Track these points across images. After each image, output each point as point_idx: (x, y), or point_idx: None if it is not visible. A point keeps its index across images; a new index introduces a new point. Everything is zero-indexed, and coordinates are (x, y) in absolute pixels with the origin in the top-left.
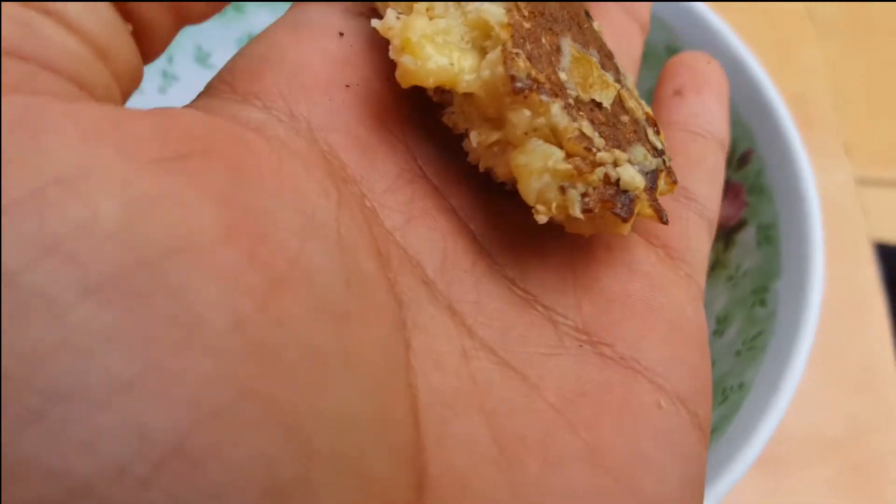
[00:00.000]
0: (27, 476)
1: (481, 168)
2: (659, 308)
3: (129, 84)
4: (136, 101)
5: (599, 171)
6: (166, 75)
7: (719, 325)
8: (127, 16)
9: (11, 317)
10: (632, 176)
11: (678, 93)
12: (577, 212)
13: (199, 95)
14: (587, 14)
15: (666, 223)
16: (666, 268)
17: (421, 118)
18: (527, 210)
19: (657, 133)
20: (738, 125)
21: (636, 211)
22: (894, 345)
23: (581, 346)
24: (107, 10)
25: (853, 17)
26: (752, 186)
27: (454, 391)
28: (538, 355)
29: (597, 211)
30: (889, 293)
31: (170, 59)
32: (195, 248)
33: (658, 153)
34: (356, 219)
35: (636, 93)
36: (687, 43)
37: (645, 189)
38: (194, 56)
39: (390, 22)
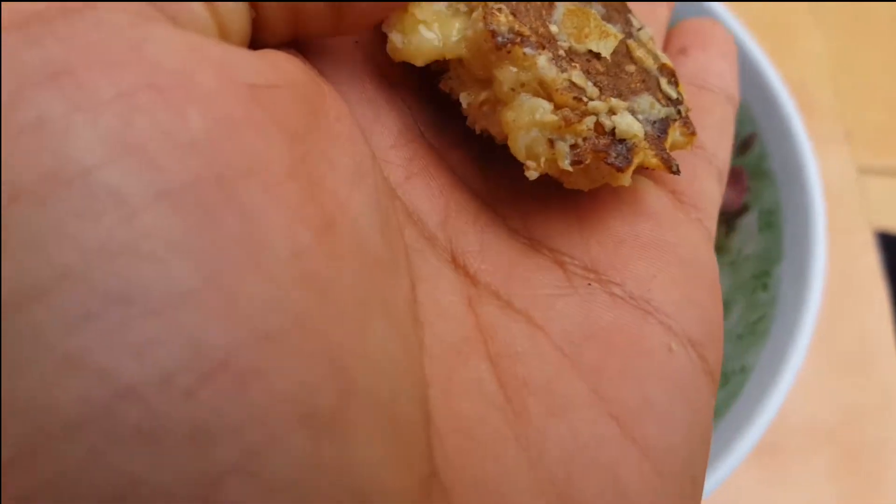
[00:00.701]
0: (76, 372)
1: (478, 130)
2: (670, 247)
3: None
4: None
5: (589, 121)
6: None
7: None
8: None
9: (80, 213)
10: (628, 124)
11: (682, 51)
12: (566, 164)
13: None
14: None
15: (677, 173)
16: (676, 210)
17: (418, 82)
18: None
19: (673, 84)
20: (741, 110)
21: (636, 161)
22: (895, 333)
23: (590, 284)
24: None
25: (854, 6)
26: (755, 171)
27: (461, 339)
28: (545, 296)
29: (588, 162)
30: (890, 282)
31: None
32: (266, 175)
33: (672, 103)
34: (382, 171)
35: (653, 45)
36: None
37: (649, 138)
38: None
39: None
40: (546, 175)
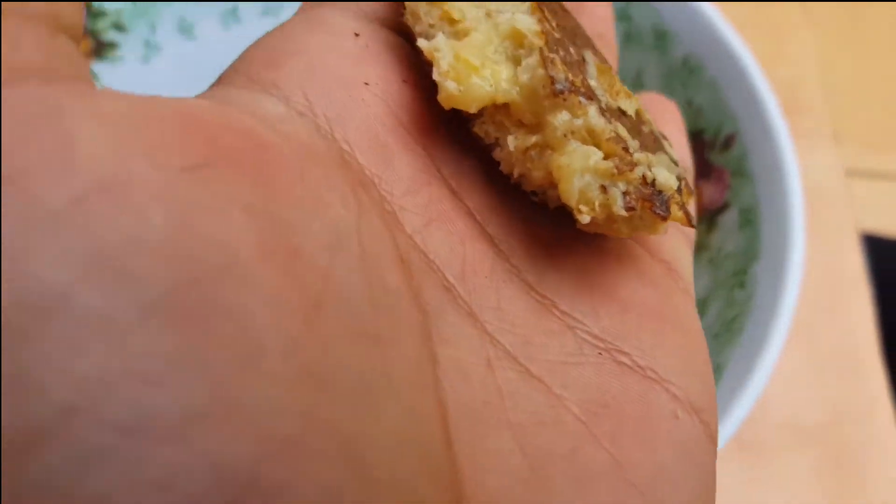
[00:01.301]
0: None
1: (515, 174)
2: (670, 316)
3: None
4: (119, 71)
5: (638, 170)
6: (149, 45)
7: (700, 308)
8: None
9: (70, 344)
10: (666, 177)
11: None
12: (620, 209)
13: (214, 85)
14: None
15: (693, 227)
16: (668, 278)
17: (437, 121)
18: (544, 215)
19: (671, 146)
20: (723, 109)
21: (672, 213)
22: (878, 334)
23: (600, 353)
24: None
25: (846, 7)
26: (736, 170)
27: (483, 404)
28: (560, 364)
29: (638, 209)
30: (876, 284)
31: (152, 29)
32: (239, 267)
33: (675, 164)
34: (376, 227)
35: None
36: (674, 25)
37: (677, 191)
38: (178, 27)
39: (439, 43)
40: (566, 219)
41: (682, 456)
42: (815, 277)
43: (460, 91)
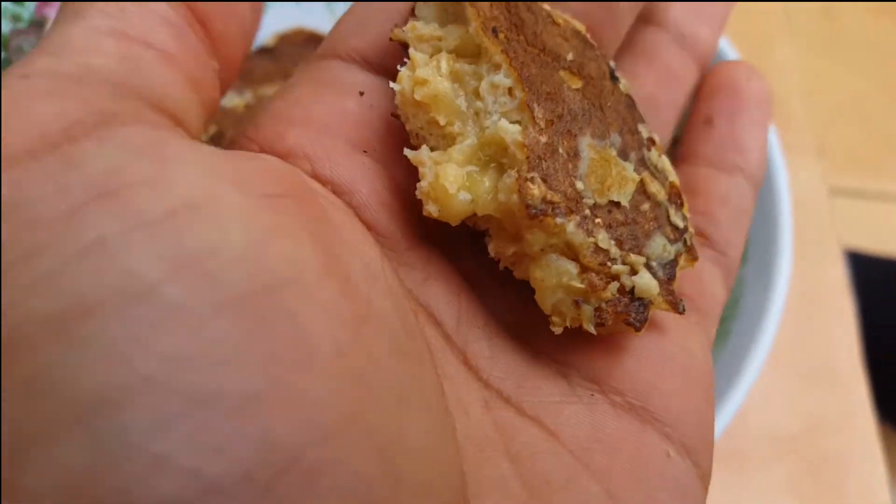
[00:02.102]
0: (165, 472)
1: (501, 267)
2: (671, 357)
3: (210, 114)
4: None
5: (613, 287)
6: None
7: None
8: (208, 39)
9: (154, 325)
10: (647, 283)
11: (708, 121)
12: (590, 326)
13: (227, 149)
14: (613, 75)
15: (682, 313)
16: (671, 316)
17: None
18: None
19: (680, 207)
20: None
21: (649, 314)
22: (861, 348)
23: (592, 394)
24: (194, 38)
25: (830, 33)
26: None
27: (482, 437)
28: (553, 404)
29: (610, 323)
30: (859, 300)
31: None
32: (304, 280)
33: (679, 234)
34: (393, 273)
35: (663, 159)
36: None
37: (660, 283)
38: None
39: (422, 156)
40: None
41: (672, 493)
42: (797, 287)
43: (440, 212)
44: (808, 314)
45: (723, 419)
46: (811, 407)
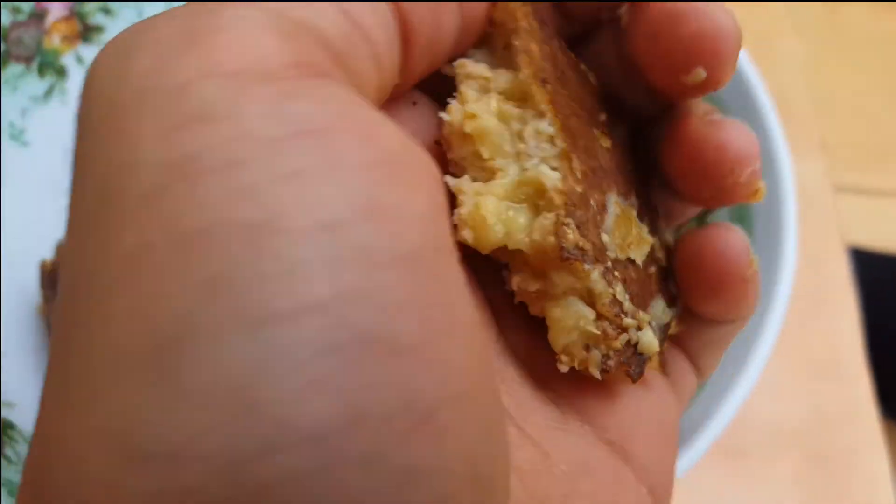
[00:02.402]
0: (321, 394)
1: (516, 300)
2: (651, 408)
3: (389, 80)
4: None
5: (623, 338)
6: None
7: None
8: (396, 12)
9: (337, 258)
10: (650, 341)
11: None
12: (595, 371)
13: None
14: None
15: (666, 375)
16: (658, 374)
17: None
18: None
19: (674, 278)
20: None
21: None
22: (864, 343)
23: (582, 425)
24: (398, 52)
25: (832, 28)
26: None
27: None
28: (548, 428)
29: (613, 371)
30: (863, 297)
31: (139, 14)
32: (450, 251)
33: (674, 299)
34: None
35: (665, 230)
36: None
37: (667, 326)
38: None
39: (463, 185)
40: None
41: None
42: (800, 282)
43: (475, 239)
44: (812, 310)
45: (728, 412)
46: (816, 402)
